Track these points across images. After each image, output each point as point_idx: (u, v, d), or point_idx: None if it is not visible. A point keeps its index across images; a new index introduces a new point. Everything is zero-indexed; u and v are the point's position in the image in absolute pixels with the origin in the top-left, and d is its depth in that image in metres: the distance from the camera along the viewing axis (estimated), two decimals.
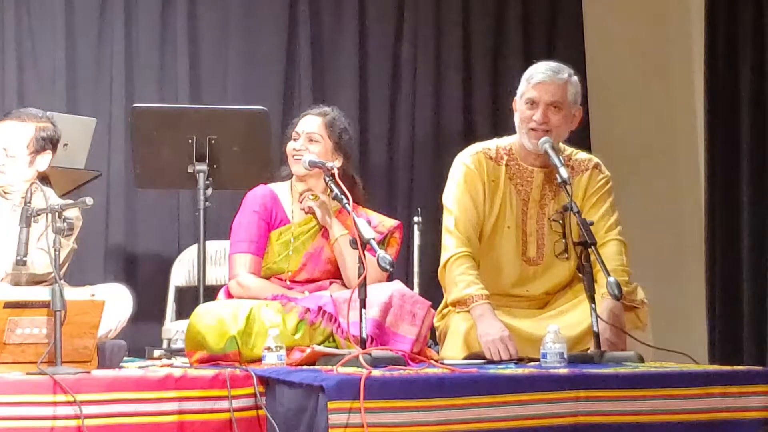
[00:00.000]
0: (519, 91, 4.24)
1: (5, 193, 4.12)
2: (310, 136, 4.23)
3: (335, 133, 4.24)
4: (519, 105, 4.22)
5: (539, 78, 4.18)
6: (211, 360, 3.88)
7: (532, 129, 4.17)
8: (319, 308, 3.92)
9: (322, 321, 3.92)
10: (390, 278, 4.07)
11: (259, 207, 4.25)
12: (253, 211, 4.25)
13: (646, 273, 4.95)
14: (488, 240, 4.23)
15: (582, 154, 4.35)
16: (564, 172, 4.03)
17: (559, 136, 4.20)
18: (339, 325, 3.88)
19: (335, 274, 4.24)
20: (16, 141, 4.09)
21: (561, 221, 4.22)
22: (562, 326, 3.94)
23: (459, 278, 4.11)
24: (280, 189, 4.33)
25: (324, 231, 4.24)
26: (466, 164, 4.25)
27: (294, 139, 4.27)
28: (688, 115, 6.51)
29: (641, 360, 3.89)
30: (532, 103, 4.17)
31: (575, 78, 4.24)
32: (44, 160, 4.13)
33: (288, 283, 4.21)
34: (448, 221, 4.22)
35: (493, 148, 4.29)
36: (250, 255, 4.21)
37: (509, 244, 4.23)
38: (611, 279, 3.88)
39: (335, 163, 4.13)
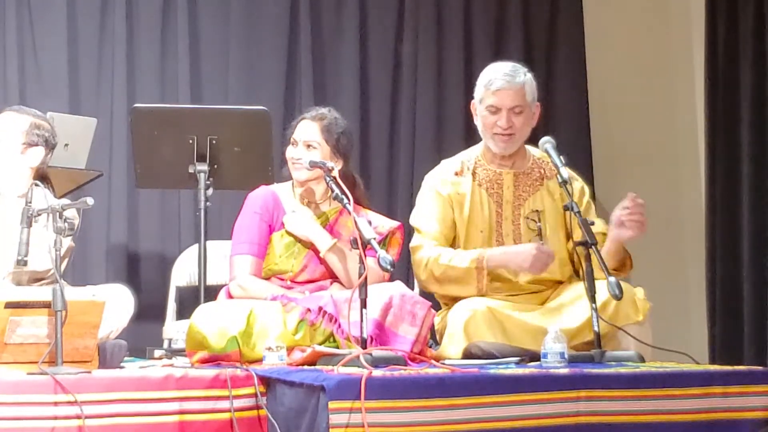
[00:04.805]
0: (477, 95, 4.31)
1: None
2: (308, 143, 4.23)
3: (333, 137, 4.24)
4: (480, 111, 4.30)
5: (498, 85, 4.25)
6: (212, 360, 3.89)
7: (497, 134, 4.25)
8: (320, 308, 3.92)
9: (322, 321, 3.92)
10: (391, 279, 4.08)
11: (260, 208, 4.25)
12: (254, 213, 4.25)
13: (646, 273, 4.96)
14: (464, 248, 4.26)
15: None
16: (564, 173, 4.07)
17: (523, 137, 4.29)
18: (339, 325, 3.89)
19: (335, 274, 4.24)
20: (8, 129, 4.09)
21: (536, 220, 4.26)
22: (563, 318, 3.97)
23: (455, 259, 4.16)
24: (282, 190, 4.33)
25: None
26: (433, 184, 4.33)
27: (293, 145, 4.27)
28: (689, 115, 6.51)
29: (642, 360, 3.90)
30: (496, 110, 4.24)
31: (530, 75, 4.31)
32: (36, 155, 4.10)
33: (289, 283, 4.21)
34: (417, 239, 4.30)
35: (457, 162, 4.37)
36: (251, 257, 4.21)
37: (485, 247, 4.26)
38: (612, 279, 3.89)
39: (337, 167, 4.15)
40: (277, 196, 4.30)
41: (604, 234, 4.22)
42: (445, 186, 4.31)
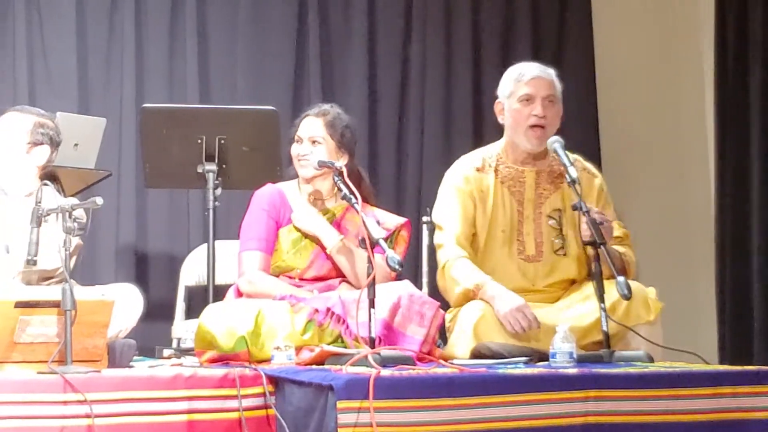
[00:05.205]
0: (505, 92, 4.29)
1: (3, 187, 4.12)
2: (313, 139, 4.24)
3: (337, 132, 4.24)
4: (510, 105, 4.27)
5: (533, 74, 4.25)
6: (221, 359, 3.89)
7: (532, 126, 4.22)
8: (328, 309, 3.92)
9: (330, 322, 3.92)
10: (399, 278, 4.08)
11: (267, 205, 4.26)
12: (262, 210, 4.26)
13: (656, 273, 4.95)
14: (485, 248, 4.25)
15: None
16: (573, 172, 4.06)
17: (552, 133, 4.26)
18: (347, 326, 3.88)
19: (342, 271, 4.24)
20: (13, 129, 4.11)
21: (557, 219, 4.25)
22: (573, 317, 3.97)
23: (462, 273, 4.13)
24: (288, 188, 4.34)
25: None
26: (455, 181, 4.29)
27: (297, 142, 4.28)
28: (698, 113, 6.50)
29: (651, 360, 3.89)
30: (528, 99, 4.23)
31: None
32: (42, 154, 4.11)
33: (297, 280, 4.22)
34: (439, 237, 4.26)
35: (478, 158, 4.33)
36: (259, 252, 4.22)
37: (505, 247, 4.25)
38: (621, 279, 3.88)
39: (342, 162, 4.15)
40: (283, 194, 4.30)
41: (618, 237, 4.22)
42: (468, 183, 4.28)
